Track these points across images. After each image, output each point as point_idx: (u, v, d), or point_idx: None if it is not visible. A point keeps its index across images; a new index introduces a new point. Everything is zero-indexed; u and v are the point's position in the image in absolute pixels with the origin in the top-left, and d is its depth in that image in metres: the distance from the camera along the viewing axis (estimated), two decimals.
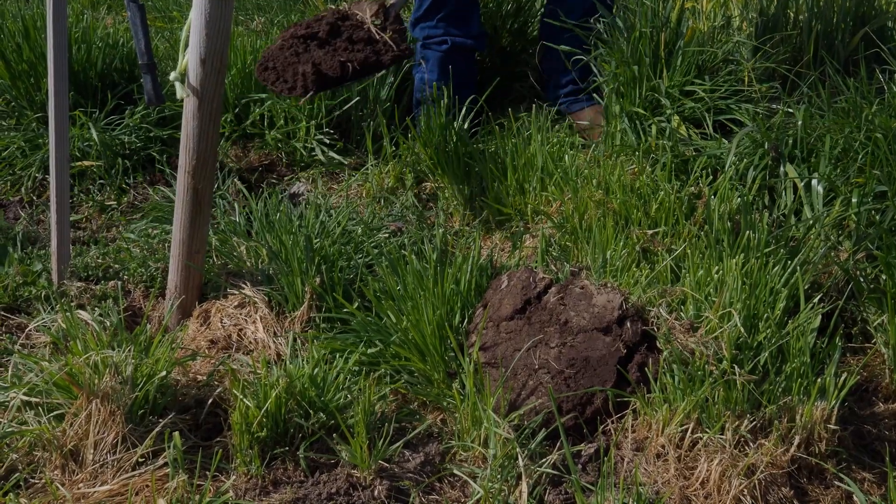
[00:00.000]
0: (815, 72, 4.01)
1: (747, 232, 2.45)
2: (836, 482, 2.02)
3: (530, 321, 2.29)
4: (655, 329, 2.29)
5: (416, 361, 2.33)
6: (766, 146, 2.96)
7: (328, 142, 3.71)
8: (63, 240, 2.75)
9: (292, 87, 2.70)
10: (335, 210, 3.03)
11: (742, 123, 3.32)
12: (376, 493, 2.03)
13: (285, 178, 3.65)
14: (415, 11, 3.82)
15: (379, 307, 2.45)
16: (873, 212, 2.58)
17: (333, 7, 2.98)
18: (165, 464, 2.05)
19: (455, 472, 2.10)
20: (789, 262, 2.40)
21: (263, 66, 2.76)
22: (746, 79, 3.87)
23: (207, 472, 2.04)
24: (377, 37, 2.81)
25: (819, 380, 2.14)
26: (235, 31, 4.14)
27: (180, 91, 2.33)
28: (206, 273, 2.65)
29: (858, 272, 2.48)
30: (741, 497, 2.00)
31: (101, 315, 2.55)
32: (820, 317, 2.33)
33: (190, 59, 2.30)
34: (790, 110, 3.44)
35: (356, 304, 2.51)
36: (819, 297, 2.40)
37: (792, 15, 4.19)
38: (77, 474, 2.04)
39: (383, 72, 3.18)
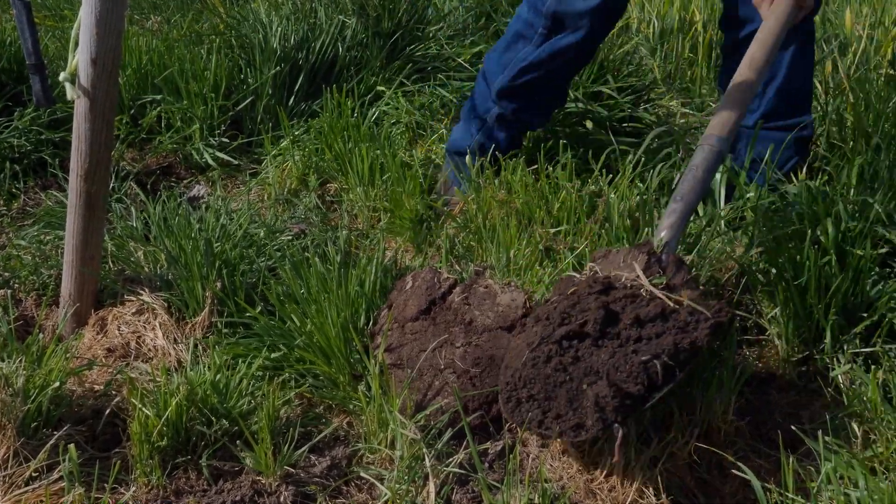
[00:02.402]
0: (711, 70, 4.11)
1: (646, 229, 2.48)
2: (734, 471, 2.05)
3: (435, 321, 2.28)
4: None
5: (321, 364, 2.31)
6: (673, 146, 3.02)
7: (221, 143, 3.66)
8: None
9: (580, 425, 1.92)
10: (236, 213, 2.98)
11: (648, 123, 3.38)
12: (282, 499, 2.00)
13: (184, 181, 3.58)
14: (500, 80, 3.11)
15: (282, 311, 2.41)
16: (768, 207, 2.63)
17: (579, 276, 2.13)
18: (61, 477, 1.98)
19: (362, 474, 2.08)
20: (687, 256, 2.44)
21: (512, 398, 1.97)
22: (652, 77, 3.95)
23: (106, 485, 1.98)
24: (670, 304, 1.99)
25: (717, 372, 2.18)
26: (130, 30, 4.06)
27: (70, 92, 2.26)
28: (101, 279, 2.58)
29: (753, 266, 2.53)
30: (644, 489, 2.02)
31: None
32: None
33: (80, 58, 2.24)
34: (688, 111, 3.52)
35: (259, 309, 2.47)
36: (716, 290, 2.44)
37: (688, 17, 4.28)
38: None
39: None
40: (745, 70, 2.42)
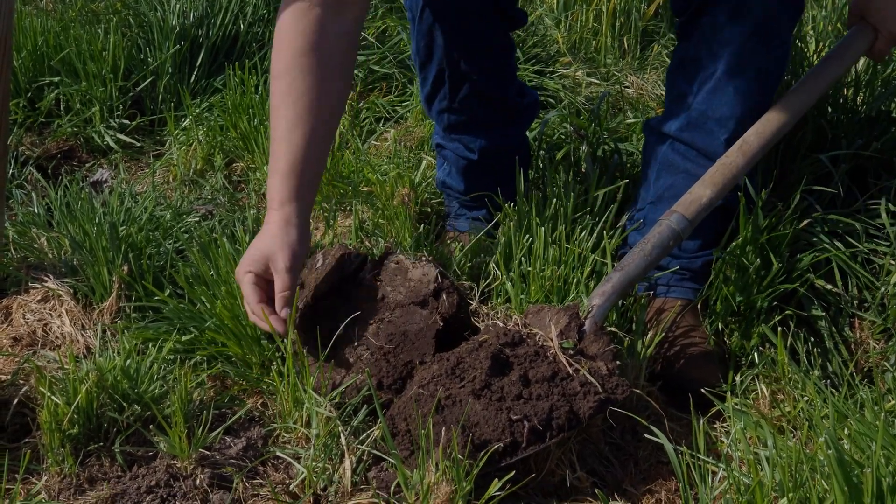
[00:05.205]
0: (615, 40, 4.16)
1: (554, 200, 2.51)
2: (647, 435, 2.09)
3: (347, 298, 2.28)
4: (471, 300, 2.33)
5: (233, 346, 2.29)
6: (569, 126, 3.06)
7: (122, 125, 3.59)
8: None
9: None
10: (141, 195, 2.93)
11: (554, 93, 3.40)
12: (198, 482, 1.99)
13: (86, 165, 3.50)
14: (421, 86, 2.72)
15: (192, 293, 2.39)
16: None
17: (500, 325, 2.14)
18: None
19: (278, 454, 2.08)
20: (595, 227, 2.48)
21: (392, 427, 1.98)
22: (556, 48, 3.98)
23: (17, 475, 1.94)
24: (569, 370, 2.00)
25: (627, 338, 2.22)
26: (23, 11, 3.94)
27: None
28: (4, 268, 2.52)
29: None
30: (560, 461, 2.05)
31: None
32: None
33: None
34: (594, 80, 3.55)
35: (168, 292, 2.44)
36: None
37: None
38: None
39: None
40: (735, 147, 2.30)
